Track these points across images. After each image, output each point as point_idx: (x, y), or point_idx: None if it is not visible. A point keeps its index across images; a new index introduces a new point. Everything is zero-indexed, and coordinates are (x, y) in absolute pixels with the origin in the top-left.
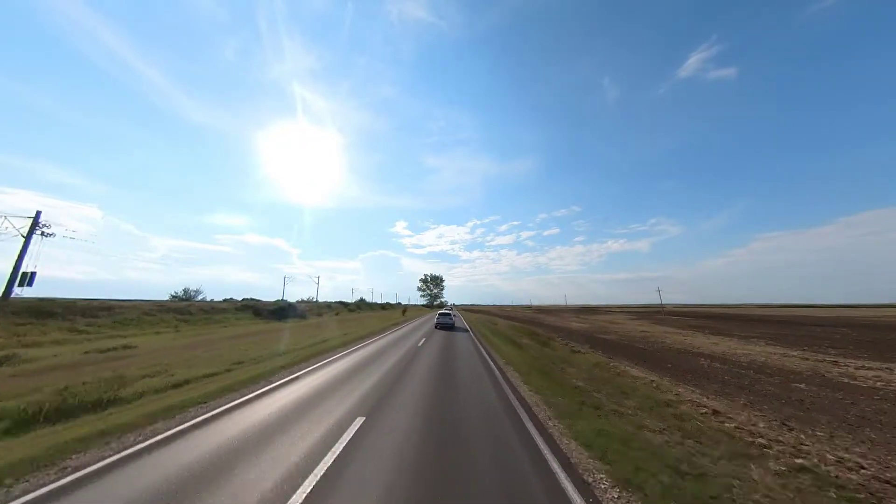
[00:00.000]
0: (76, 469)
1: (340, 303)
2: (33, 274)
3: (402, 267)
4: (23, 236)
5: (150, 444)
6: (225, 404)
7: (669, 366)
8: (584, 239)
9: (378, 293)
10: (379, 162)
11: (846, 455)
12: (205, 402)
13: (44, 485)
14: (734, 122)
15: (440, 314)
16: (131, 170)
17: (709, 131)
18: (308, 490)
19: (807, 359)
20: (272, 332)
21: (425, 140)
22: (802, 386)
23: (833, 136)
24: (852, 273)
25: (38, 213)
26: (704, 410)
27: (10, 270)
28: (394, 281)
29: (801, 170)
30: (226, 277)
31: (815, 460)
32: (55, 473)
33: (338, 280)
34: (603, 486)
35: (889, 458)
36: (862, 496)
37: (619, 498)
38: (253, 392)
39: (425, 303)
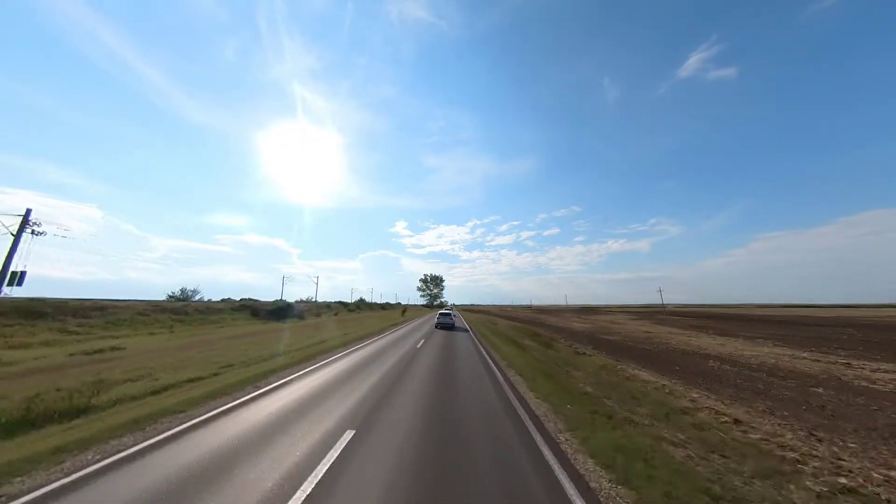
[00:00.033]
0: (10, 499)
1: (340, 303)
2: (23, 273)
3: (401, 267)
4: (12, 234)
5: (107, 465)
6: (203, 414)
7: (678, 368)
8: (584, 239)
9: (378, 293)
10: (379, 162)
11: (893, 473)
12: (183, 412)
13: None
14: (734, 122)
15: (440, 314)
16: (131, 170)
17: (709, 131)
18: None
19: (818, 360)
20: (269, 332)
21: (425, 140)
22: (820, 390)
23: (833, 136)
24: (852, 273)
25: (29, 210)
26: (725, 419)
27: None
28: (394, 281)
29: (801, 170)
30: (225, 277)
31: (860, 479)
32: None
33: (337, 280)
34: None
35: None
36: None
37: None
38: (237, 399)
39: (425, 303)
